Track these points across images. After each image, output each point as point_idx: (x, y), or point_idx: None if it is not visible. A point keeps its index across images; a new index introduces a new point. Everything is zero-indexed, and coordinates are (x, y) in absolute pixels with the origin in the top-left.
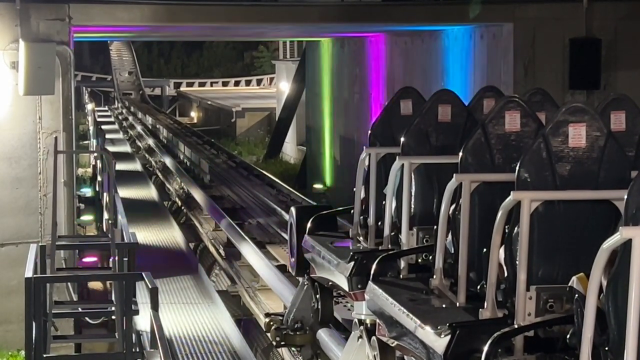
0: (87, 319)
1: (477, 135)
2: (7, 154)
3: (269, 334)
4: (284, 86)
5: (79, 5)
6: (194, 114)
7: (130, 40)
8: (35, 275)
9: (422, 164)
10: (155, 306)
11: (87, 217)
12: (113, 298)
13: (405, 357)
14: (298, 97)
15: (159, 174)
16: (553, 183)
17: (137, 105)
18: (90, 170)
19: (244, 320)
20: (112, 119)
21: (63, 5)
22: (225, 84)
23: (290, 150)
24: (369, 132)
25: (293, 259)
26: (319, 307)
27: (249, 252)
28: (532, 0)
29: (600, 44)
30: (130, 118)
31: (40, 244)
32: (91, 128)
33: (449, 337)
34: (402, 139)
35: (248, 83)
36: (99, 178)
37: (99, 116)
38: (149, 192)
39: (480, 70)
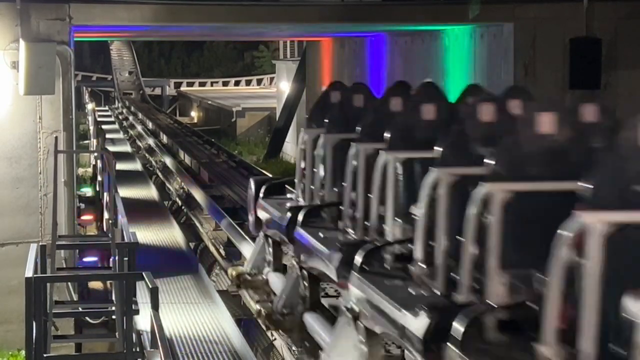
0: (87, 318)
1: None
2: (8, 153)
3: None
4: (284, 86)
5: (80, 5)
6: (194, 114)
7: (130, 40)
8: (35, 275)
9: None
10: (155, 306)
11: (87, 217)
12: (113, 298)
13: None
14: (298, 97)
15: (159, 173)
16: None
17: (138, 105)
18: (90, 170)
19: (244, 320)
20: (112, 119)
21: (63, 5)
22: (225, 84)
23: (291, 150)
24: (307, 116)
25: (252, 218)
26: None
27: (250, 251)
28: (532, 0)
29: (600, 44)
30: (131, 118)
31: (40, 244)
32: (91, 128)
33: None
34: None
35: (248, 83)
36: (99, 178)
37: (99, 116)
38: (149, 192)
39: (480, 70)
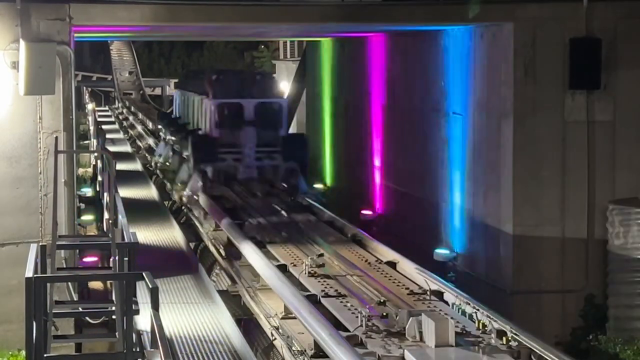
0: (87, 318)
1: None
2: (8, 153)
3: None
4: (284, 86)
5: (80, 5)
6: None
7: (130, 40)
8: (35, 275)
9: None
10: (155, 306)
11: (87, 217)
12: (113, 298)
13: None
14: (298, 97)
15: (160, 173)
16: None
17: (138, 105)
18: (90, 170)
19: (244, 320)
20: (112, 119)
21: (63, 5)
22: None
23: None
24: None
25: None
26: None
27: (249, 251)
28: (532, 0)
29: (600, 44)
30: (131, 118)
31: (40, 244)
32: (91, 128)
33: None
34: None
35: None
36: (99, 178)
37: (100, 116)
38: (149, 192)
39: (480, 70)
